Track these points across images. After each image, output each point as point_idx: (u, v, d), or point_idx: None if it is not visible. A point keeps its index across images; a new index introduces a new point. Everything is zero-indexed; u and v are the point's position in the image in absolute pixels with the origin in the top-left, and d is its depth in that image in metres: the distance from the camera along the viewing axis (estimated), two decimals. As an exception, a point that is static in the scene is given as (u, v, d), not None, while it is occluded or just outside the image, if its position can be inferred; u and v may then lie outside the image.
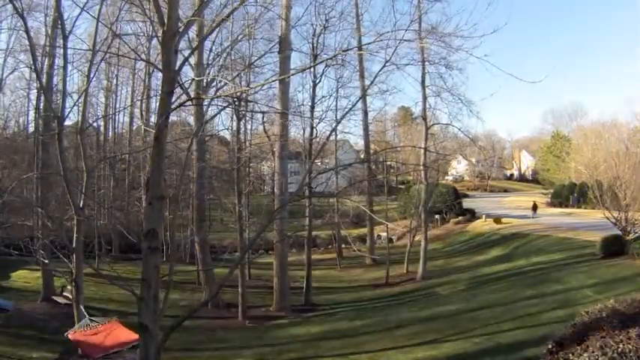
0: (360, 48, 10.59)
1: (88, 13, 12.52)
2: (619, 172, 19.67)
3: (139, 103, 31.28)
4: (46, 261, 13.86)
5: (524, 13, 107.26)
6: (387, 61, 6.75)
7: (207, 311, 18.05)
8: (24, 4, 14.71)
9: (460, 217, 37.88)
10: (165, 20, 5.34)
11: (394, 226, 34.44)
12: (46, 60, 17.41)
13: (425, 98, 23.78)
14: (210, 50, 17.99)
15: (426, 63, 22.98)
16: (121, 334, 11.79)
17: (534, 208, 35.39)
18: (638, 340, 6.57)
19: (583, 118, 74.13)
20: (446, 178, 73.35)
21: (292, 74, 21.12)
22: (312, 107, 22.09)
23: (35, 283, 20.22)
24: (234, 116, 21.19)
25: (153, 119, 24.48)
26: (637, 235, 17.76)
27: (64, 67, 13.65)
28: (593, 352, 6.67)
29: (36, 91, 25.64)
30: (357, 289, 23.01)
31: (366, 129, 30.68)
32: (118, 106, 36.38)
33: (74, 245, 12.20)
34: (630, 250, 17.39)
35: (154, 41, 23.46)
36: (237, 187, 19.93)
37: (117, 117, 38.51)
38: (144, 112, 29.96)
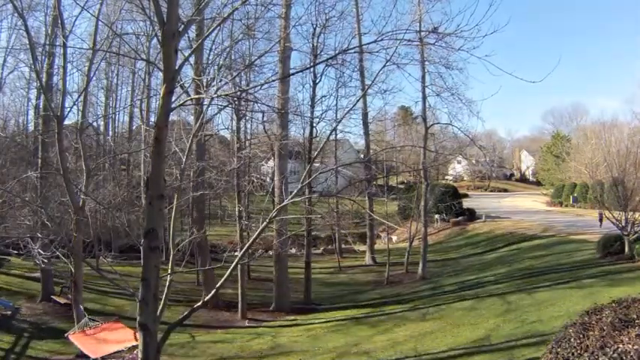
0: (360, 48, 10.58)
1: (88, 12, 12.55)
2: (619, 171, 19.65)
3: (138, 102, 31.28)
4: (45, 261, 13.85)
5: (525, 13, 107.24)
6: (387, 61, 6.70)
7: (207, 311, 18.08)
8: (24, 3, 14.71)
9: (460, 217, 37.88)
10: (165, 20, 5.33)
11: (394, 226, 34.45)
12: (46, 59, 17.37)
13: (425, 98, 23.76)
14: (210, 50, 17.98)
15: (426, 62, 22.97)
16: (121, 333, 11.79)
17: (601, 219, 24.53)
18: (638, 340, 6.57)
19: (583, 118, 74.34)
20: (446, 177, 73.39)
21: (292, 74, 21.12)
22: (312, 107, 22.09)
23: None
24: (234, 116, 21.20)
25: (153, 119, 24.51)
26: (637, 235, 17.73)
27: (64, 67, 13.64)
28: (593, 352, 6.66)
29: (36, 90, 25.64)
30: (357, 289, 23.01)
31: (365, 128, 30.66)
32: (117, 105, 36.40)
33: (73, 245, 12.20)
34: (630, 250, 17.39)
35: (154, 41, 23.48)
36: (237, 187, 19.92)
37: (117, 116, 38.60)
38: (144, 112, 29.95)
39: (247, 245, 7.26)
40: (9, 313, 16.65)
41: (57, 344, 14.34)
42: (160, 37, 5.45)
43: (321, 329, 16.20)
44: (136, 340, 10.97)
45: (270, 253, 21.63)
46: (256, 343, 15.16)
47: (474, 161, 68.17)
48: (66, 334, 12.67)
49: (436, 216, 37.97)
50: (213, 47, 17.79)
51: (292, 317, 18.25)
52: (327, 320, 17.41)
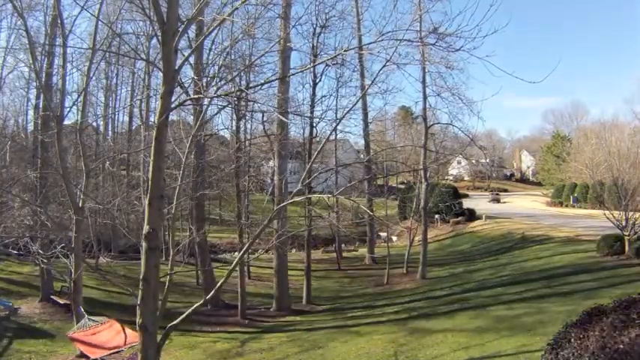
0: (360, 48, 10.58)
1: (88, 12, 12.54)
2: (619, 171, 19.66)
3: (138, 102, 31.29)
4: (45, 261, 13.84)
5: (525, 13, 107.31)
6: (387, 61, 6.70)
7: (207, 311, 18.06)
8: (23, 3, 14.71)
9: (460, 218, 37.91)
10: (165, 19, 5.33)
11: (394, 226, 34.43)
12: (46, 59, 17.36)
13: (425, 98, 23.71)
14: (210, 49, 17.98)
15: (427, 62, 22.90)
16: (120, 333, 11.77)
17: None
18: (638, 340, 6.56)
19: (584, 118, 74.54)
20: (446, 177, 73.47)
21: (292, 74, 21.09)
22: (312, 107, 22.07)
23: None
24: (234, 116, 21.19)
25: (152, 119, 24.50)
26: (637, 234, 17.73)
27: (64, 67, 13.65)
28: (593, 352, 6.65)
29: (35, 90, 25.63)
30: (357, 289, 23.00)
31: (366, 128, 30.63)
32: (117, 105, 36.42)
33: (73, 245, 12.18)
34: (630, 250, 17.39)
35: (154, 41, 23.51)
36: (237, 187, 19.92)
37: (116, 116, 38.63)
38: (143, 112, 29.96)
39: (247, 245, 7.26)
40: (7, 313, 16.62)
41: (56, 344, 14.33)
42: (159, 37, 5.45)
43: (321, 329, 16.16)
44: (125, 343, 11.03)
45: (271, 253, 21.61)
46: (255, 343, 15.13)
47: (474, 161, 68.25)
48: (66, 334, 12.67)
49: (436, 216, 37.98)
50: (213, 47, 17.80)
51: (292, 317, 18.24)
52: (327, 320, 17.37)
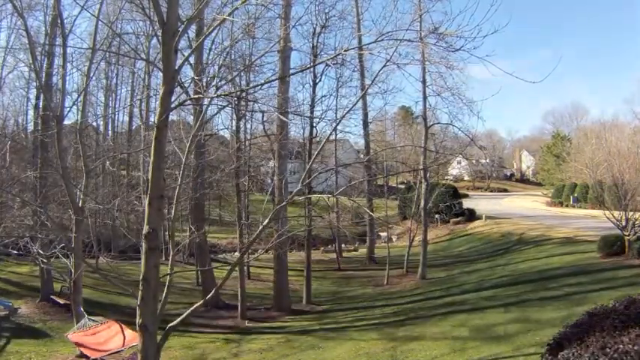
0: (360, 48, 10.59)
1: (88, 11, 12.54)
2: (619, 171, 19.62)
3: (138, 102, 31.30)
4: (45, 261, 13.84)
5: (525, 13, 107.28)
6: (387, 61, 6.69)
7: (207, 312, 18.07)
8: (23, 2, 14.72)
9: (460, 218, 37.90)
10: (165, 19, 5.32)
11: (394, 226, 34.44)
12: (46, 59, 17.37)
13: (425, 97, 23.70)
14: (210, 49, 17.97)
15: (427, 62, 22.88)
16: (120, 334, 11.77)
17: None
18: (638, 340, 6.56)
19: (584, 118, 74.51)
20: (446, 178, 73.47)
21: (292, 74, 21.11)
22: (312, 107, 22.07)
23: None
24: (234, 115, 21.19)
25: (152, 119, 24.48)
26: (637, 234, 17.70)
27: (64, 66, 13.65)
28: (593, 352, 6.65)
29: (35, 90, 25.63)
30: (357, 289, 22.99)
31: (366, 128, 30.64)
32: (117, 105, 36.45)
33: (73, 245, 12.18)
34: (631, 251, 17.36)
35: (154, 41, 23.52)
36: (237, 187, 19.92)
37: (116, 116, 38.66)
38: (143, 112, 29.99)
39: (247, 246, 7.26)
40: (7, 313, 16.62)
41: (56, 344, 14.33)
42: (159, 37, 5.44)
43: (321, 329, 16.16)
44: (125, 343, 11.02)
45: (271, 253, 21.60)
46: (255, 343, 15.12)
47: (474, 161, 68.24)
48: (66, 335, 12.67)
49: (436, 216, 37.99)
50: (213, 47, 17.80)
51: (292, 317, 18.24)
52: (328, 320, 17.38)
